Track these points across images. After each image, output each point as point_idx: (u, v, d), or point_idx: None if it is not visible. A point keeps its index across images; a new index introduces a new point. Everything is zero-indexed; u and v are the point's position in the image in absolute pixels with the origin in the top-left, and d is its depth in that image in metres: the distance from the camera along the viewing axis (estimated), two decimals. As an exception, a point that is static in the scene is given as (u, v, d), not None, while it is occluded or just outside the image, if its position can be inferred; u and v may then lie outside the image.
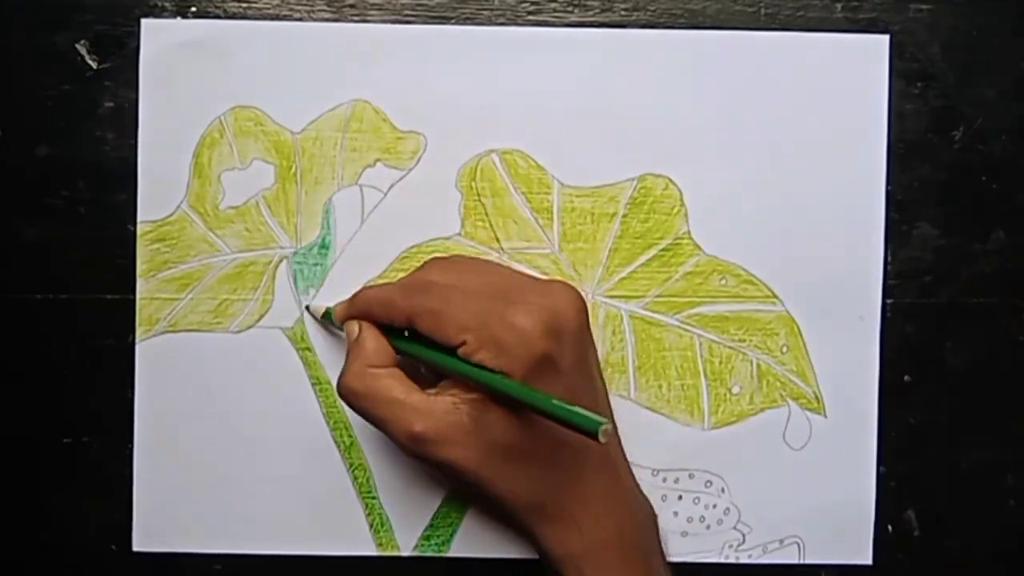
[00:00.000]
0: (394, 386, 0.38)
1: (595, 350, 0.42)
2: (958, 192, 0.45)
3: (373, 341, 0.40)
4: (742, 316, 0.44)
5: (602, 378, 0.43)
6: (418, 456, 0.38)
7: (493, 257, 0.44)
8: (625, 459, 0.42)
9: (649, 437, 0.44)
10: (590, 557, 0.39)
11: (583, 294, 0.44)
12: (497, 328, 0.37)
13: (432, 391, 0.39)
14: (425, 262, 0.41)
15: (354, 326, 0.40)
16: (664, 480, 0.44)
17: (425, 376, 0.40)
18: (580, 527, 0.39)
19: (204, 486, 0.44)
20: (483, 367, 0.37)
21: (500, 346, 0.37)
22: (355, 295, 0.41)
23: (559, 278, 0.40)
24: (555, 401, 0.35)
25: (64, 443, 0.44)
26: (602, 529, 0.39)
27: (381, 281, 0.44)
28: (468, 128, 0.44)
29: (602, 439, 0.33)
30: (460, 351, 0.37)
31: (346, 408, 0.44)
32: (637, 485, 0.43)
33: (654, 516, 0.43)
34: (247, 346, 0.44)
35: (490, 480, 0.38)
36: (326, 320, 0.43)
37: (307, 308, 0.44)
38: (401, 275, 0.44)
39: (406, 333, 0.40)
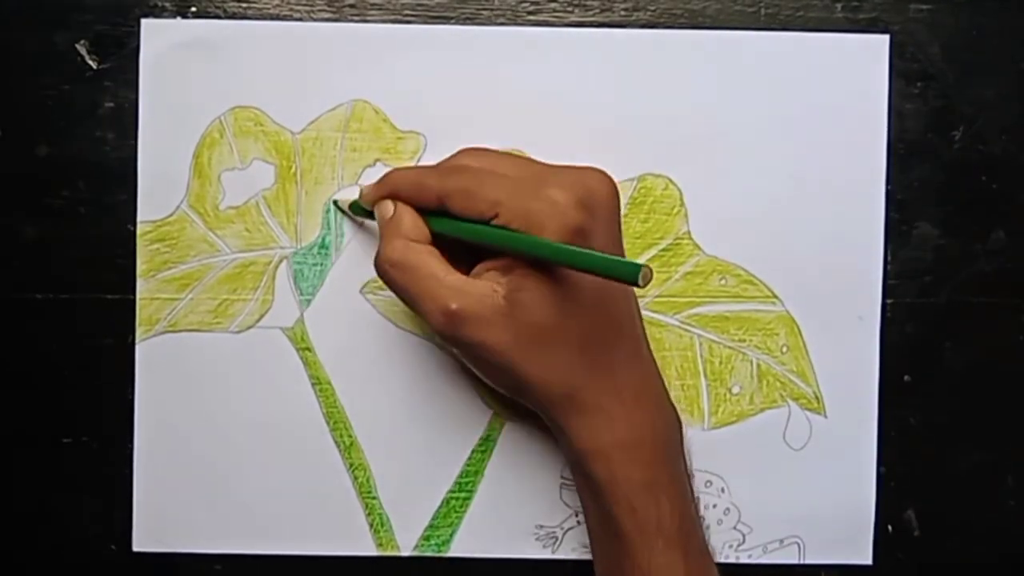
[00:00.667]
0: (433, 263, 0.38)
1: (622, 242, 0.41)
2: (958, 192, 0.45)
3: (410, 217, 0.39)
4: (742, 316, 0.44)
5: None
6: (450, 337, 0.38)
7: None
8: (655, 362, 0.42)
9: (649, 437, 0.44)
10: (619, 451, 0.38)
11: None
12: (530, 201, 0.37)
13: (472, 274, 0.39)
14: (456, 152, 0.41)
15: (388, 205, 0.40)
16: (664, 480, 0.44)
17: (456, 265, 0.39)
18: (611, 420, 0.39)
19: (204, 486, 0.44)
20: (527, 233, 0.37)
21: (532, 218, 0.37)
22: (384, 176, 0.41)
23: (594, 167, 0.40)
24: (592, 252, 0.35)
25: (64, 443, 0.44)
26: (632, 424, 0.39)
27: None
28: (468, 128, 0.44)
29: (642, 283, 0.33)
30: (493, 223, 0.37)
31: (346, 407, 0.44)
32: (666, 390, 0.42)
33: (680, 424, 0.42)
34: (247, 346, 0.44)
35: (522, 364, 0.38)
36: (354, 211, 0.43)
37: (335, 202, 0.44)
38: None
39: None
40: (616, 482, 0.38)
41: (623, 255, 0.40)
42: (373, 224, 0.44)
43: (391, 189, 0.40)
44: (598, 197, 0.38)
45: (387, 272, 0.39)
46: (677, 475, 0.40)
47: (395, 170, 0.41)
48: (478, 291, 0.38)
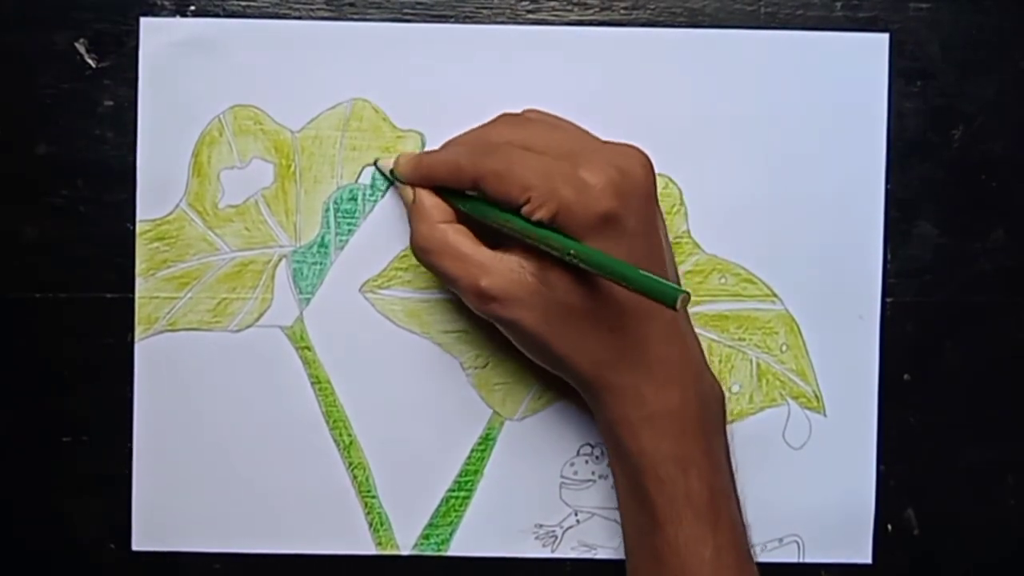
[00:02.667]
0: (461, 241, 0.39)
1: (663, 217, 0.41)
2: (958, 191, 0.45)
3: (430, 199, 0.40)
4: (742, 315, 0.44)
5: (670, 247, 0.42)
6: (485, 313, 0.39)
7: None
8: (694, 334, 0.41)
9: (649, 436, 0.44)
10: (648, 424, 0.38)
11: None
12: (561, 184, 0.37)
13: (498, 251, 0.39)
14: (495, 117, 0.41)
15: (408, 191, 0.41)
16: (664, 479, 0.44)
17: (487, 241, 0.40)
18: (640, 395, 0.39)
19: (204, 486, 0.44)
20: (543, 225, 0.37)
21: (562, 203, 0.37)
22: (420, 158, 0.41)
23: (630, 145, 0.40)
24: (632, 268, 0.35)
25: (64, 443, 0.44)
26: (663, 397, 0.39)
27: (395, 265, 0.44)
28: (468, 127, 0.44)
29: (679, 308, 0.33)
30: (523, 210, 0.37)
31: (345, 407, 0.44)
32: (706, 363, 0.42)
33: (722, 398, 0.42)
34: (246, 345, 0.44)
35: (553, 341, 0.38)
36: (395, 177, 0.43)
37: (376, 162, 0.44)
38: (401, 274, 0.44)
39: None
40: (644, 453, 0.38)
41: (659, 238, 0.40)
42: (372, 223, 0.44)
43: (427, 172, 0.40)
44: (632, 179, 0.38)
45: (419, 258, 0.40)
46: (711, 449, 0.40)
47: (430, 153, 0.41)
48: (506, 267, 0.38)
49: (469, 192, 0.40)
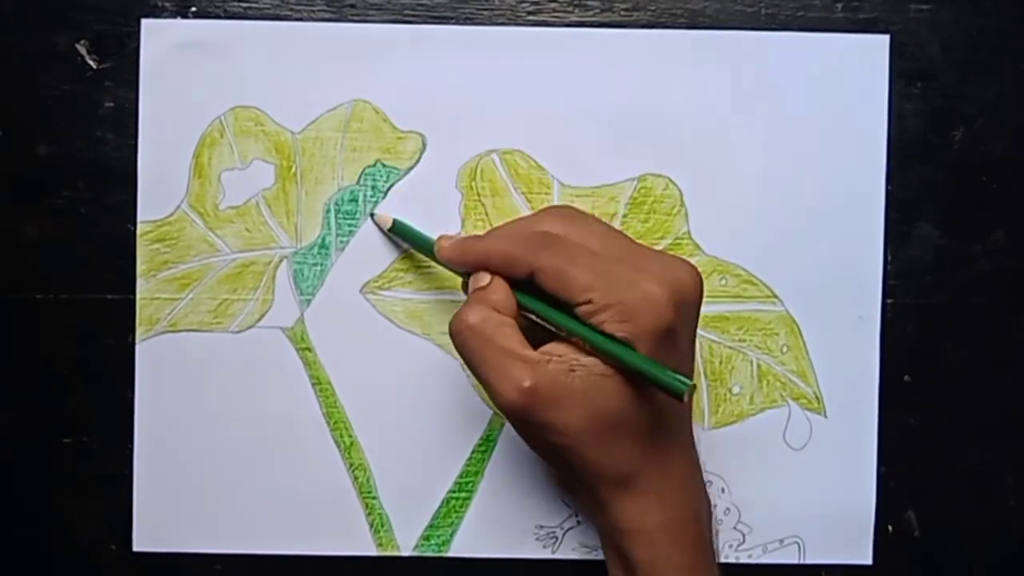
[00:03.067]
0: (513, 336, 0.37)
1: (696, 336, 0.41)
2: (958, 192, 0.45)
3: (503, 293, 0.38)
4: (742, 316, 0.44)
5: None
6: (519, 413, 0.37)
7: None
8: (695, 447, 0.41)
9: (649, 437, 0.44)
10: (663, 533, 0.38)
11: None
12: (625, 292, 0.36)
13: (543, 349, 0.37)
14: (541, 211, 0.40)
15: (485, 276, 0.39)
16: (664, 480, 0.44)
17: (528, 333, 0.39)
18: (661, 502, 0.38)
19: (204, 486, 0.44)
20: (602, 331, 0.36)
21: (627, 311, 0.36)
22: (468, 243, 0.39)
23: (681, 258, 0.39)
24: (654, 365, 0.36)
25: (64, 443, 0.44)
26: (680, 507, 0.39)
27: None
28: (468, 128, 0.44)
29: (686, 399, 0.35)
30: (581, 309, 0.36)
31: (346, 407, 0.44)
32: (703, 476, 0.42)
33: (711, 506, 0.42)
34: (247, 346, 0.44)
35: (586, 447, 0.37)
36: (396, 233, 0.43)
37: (372, 215, 0.43)
38: (401, 275, 0.44)
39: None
40: (656, 564, 0.38)
41: (693, 352, 0.40)
42: (375, 227, 0.44)
43: (479, 257, 0.39)
44: (688, 295, 0.37)
45: (463, 335, 0.37)
46: (711, 557, 0.40)
47: (481, 238, 0.39)
48: (555, 370, 0.36)
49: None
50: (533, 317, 0.38)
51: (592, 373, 0.37)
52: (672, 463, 0.39)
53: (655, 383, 0.35)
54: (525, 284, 0.38)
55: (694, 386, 0.35)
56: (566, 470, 0.39)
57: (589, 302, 0.36)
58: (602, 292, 0.36)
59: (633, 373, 0.36)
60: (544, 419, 0.36)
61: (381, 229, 0.44)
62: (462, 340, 0.38)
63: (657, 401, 0.37)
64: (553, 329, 0.38)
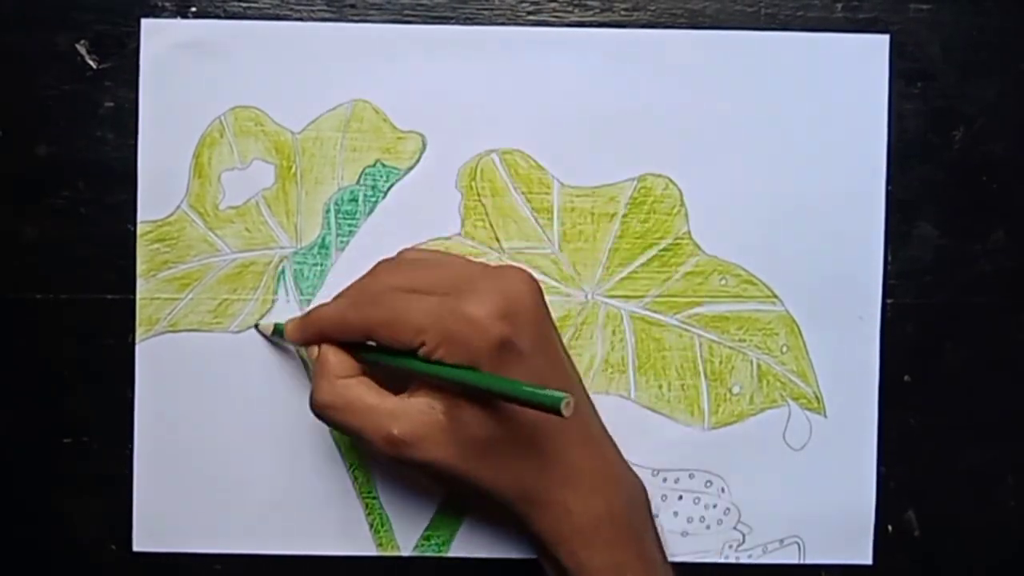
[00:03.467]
0: (366, 393, 0.39)
1: (557, 331, 0.41)
2: (958, 192, 0.45)
3: (335, 355, 0.39)
4: (742, 316, 0.44)
5: (569, 358, 0.42)
6: (399, 459, 0.38)
7: (493, 258, 0.44)
8: (608, 436, 0.42)
9: (649, 437, 0.44)
10: (580, 537, 0.39)
11: (583, 294, 0.44)
12: (451, 323, 0.37)
13: (404, 394, 0.39)
14: (374, 266, 0.41)
15: (313, 348, 0.40)
16: (664, 480, 0.44)
17: (391, 383, 0.40)
18: (569, 508, 0.39)
19: (204, 486, 0.44)
20: (443, 363, 0.37)
21: (456, 340, 0.37)
22: (306, 315, 0.41)
23: (510, 263, 0.40)
24: (515, 383, 0.35)
25: (64, 443, 0.44)
26: (591, 508, 0.39)
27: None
28: (468, 128, 0.44)
29: (565, 413, 0.33)
30: (420, 352, 0.37)
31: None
32: (624, 462, 0.42)
33: (644, 492, 0.42)
34: (247, 346, 0.44)
35: (473, 474, 0.38)
36: (276, 337, 0.43)
37: (256, 326, 0.44)
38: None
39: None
40: (582, 567, 0.38)
41: (557, 352, 0.40)
42: (373, 224, 0.44)
43: (315, 331, 0.40)
44: (519, 303, 0.38)
45: (323, 414, 0.39)
46: (643, 550, 0.40)
47: (316, 309, 0.41)
48: (416, 410, 0.38)
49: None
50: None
51: (454, 404, 0.37)
52: (568, 467, 0.39)
53: (527, 404, 0.35)
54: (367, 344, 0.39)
55: (568, 400, 0.34)
56: (471, 496, 0.40)
57: (423, 344, 0.37)
58: (432, 330, 0.37)
59: (505, 399, 0.36)
60: (424, 459, 0.38)
61: (266, 336, 0.44)
62: (325, 418, 0.39)
63: (527, 413, 0.36)
64: (406, 375, 0.38)
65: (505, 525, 0.44)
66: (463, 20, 0.44)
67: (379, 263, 0.41)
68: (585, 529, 0.39)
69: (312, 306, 0.43)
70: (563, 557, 0.39)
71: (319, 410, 0.39)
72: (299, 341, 0.41)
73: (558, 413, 0.34)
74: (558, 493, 0.39)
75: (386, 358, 0.39)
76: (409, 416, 0.38)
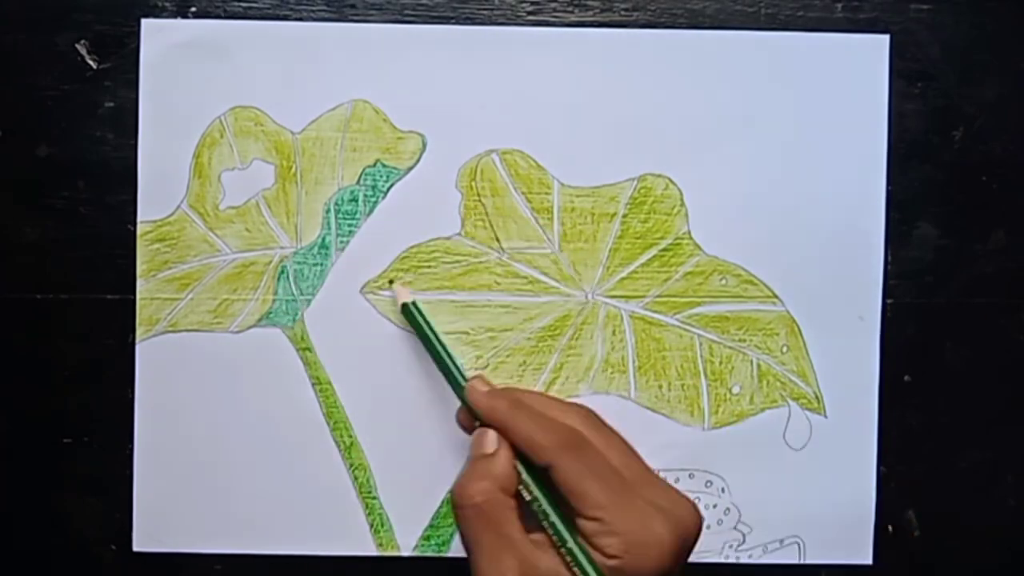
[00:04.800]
0: (512, 520, 0.37)
1: None
2: (958, 192, 0.45)
3: (507, 466, 0.38)
4: (742, 316, 0.44)
5: None
6: None
7: (492, 257, 0.44)
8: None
9: (649, 437, 0.44)
10: None
11: (583, 294, 0.44)
12: (635, 525, 0.36)
13: (537, 539, 0.37)
14: (572, 403, 0.41)
15: (494, 441, 0.39)
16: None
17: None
18: None
19: (204, 486, 0.44)
20: (590, 558, 0.36)
21: (633, 545, 0.36)
22: (500, 402, 0.39)
23: (687, 496, 0.39)
24: None
25: (64, 443, 0.44)
26: None
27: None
28: (468, 128, 0.44)
29: None
30: (586, 525, 0.36)
31: (346, 407, 0.44)
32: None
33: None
34: (247, 346, 0.44)
35: None
36: (407, 315, 0.43)
37: (390, 282, 0.43)
38: (401, 275, 0.44)
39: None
40: None
41: None
42: (373, 224, 0.44)
43: (504, 426, 0.39)
44: (690, 540, 0.38)
45: (465, 511, 0.38)
46: None
47: (517, 408, 0.39)
48: (545, 567, 0.36)
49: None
50: (524, 495, 0.38)
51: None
52: None
53: None
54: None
55: None
56: None
57: (597, 520, 0.36)
58: (612, 516, 0.36)
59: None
60: None
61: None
62: (464, 516, 0.38)
63: None
64: (543, 527, 0.38)
65: None
66: (463, 20, 0.44)
67: (578, 404, 0.40)
68: None
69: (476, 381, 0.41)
70: None
71: (463, 503, 0.38)
72: (481, 415, 0.40)
73: None
74: None
75: (548, 510, 0.38)
76: (537, 569, 0.36)
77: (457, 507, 0.38)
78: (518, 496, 0.38)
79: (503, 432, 0.39)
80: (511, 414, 0.39)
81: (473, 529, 0.37)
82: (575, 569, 0.36)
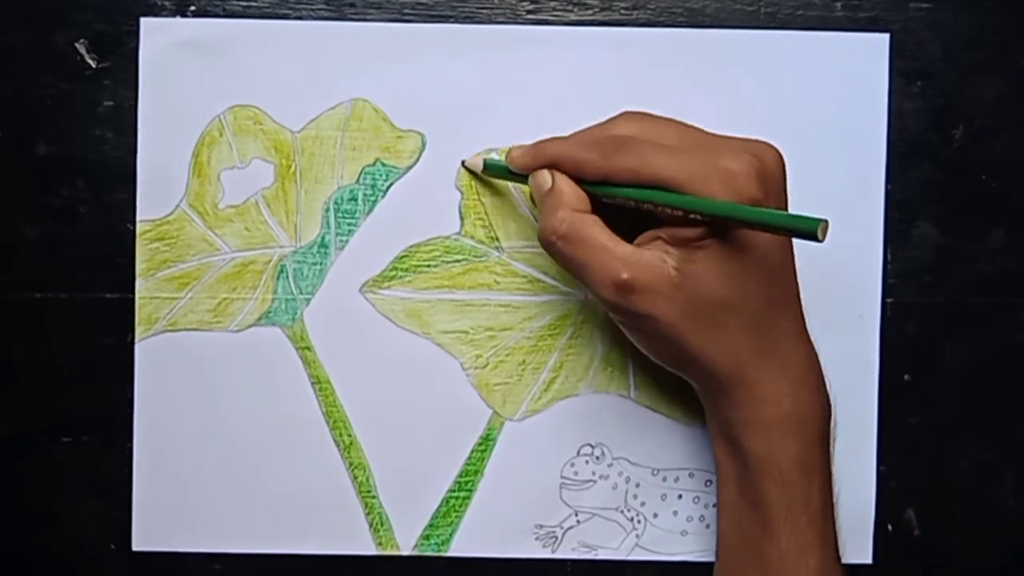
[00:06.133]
0: (600, 232, 0.37)
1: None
2: (958, 192, 0.45)
3: (570, 188, 0.38)
4: (742, 315, 0.44)
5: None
6: (618, 307, 0.37)
7: (492, 256, 0.44)
8: (813, 345, 0.40)
9: (649, 437, 0.44)
10: (780, 426, 0.38)
11: (583, 293, 0.44)
12: (706, 174, 0.36)
13: (638, 241, 0.38)
14: (614, 116, 0.40)
15: (546, 175, 0.39)
16: (664, 479, 0.44)
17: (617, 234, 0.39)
18: (778, 395, 0.38)
19: (204, 486, 0.44)
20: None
21: (707, 186, 0.36)
22: (540, 146, 0.40)
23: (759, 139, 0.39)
24: (770, 211, 0.35)
25: (64, 443, 0.44)
26: (797, 401, 0.38)
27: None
28: (468, 127, 0.44)
29: (821, 238, 0.32)
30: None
31: (345, 406, 0.44)
32: (823, 374, 0.40)
33: (831, 409, 0.40)
34: (247, 345, 0.44)
35: (691, 338, 0.37)
36: (488, 173, 0.43)
37: (463, 163, 0.43)
38: (401, 274, 0.44)
39: None
40: (771, 456, 0.38)
41: None
42: (373, 223, 0.44)
43: (549, 160, 0.39)
44: (770, 170, 0.37)
45: (553, 244, 0.38)
46: (827, 460, 0.39)
47: (552, 141, 0.40)
48: (648, 261, 0.37)
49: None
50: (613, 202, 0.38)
51: (688, 260, 0.36)
52: (787, 352, 0.38)
53: (783, 230, 0.34)
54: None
55: (825, 224, 0.33)
56: (674, 363, 0.39)
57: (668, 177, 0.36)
58: (685, 181, 0.36)
59: (760, 227, 0.35)
60: (645, 310, 0.37)
61: (472, 172, 0.44)
62: (554, 250, 0.38)
63: (757, 288, 0.36)
64: (639, 212, 0.37)
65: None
66: (463, 19, 0.44)
67: (623, 113, 0.40)
68: (789, 418, 0.38)
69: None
70: (755, 440, 0.38)
71: (551, 239, 0.38)
72: (526, 167, 0.40)
73: (814, 238, 0.33)
74: (770, 373, 0.38)
75: (624, 190, 0.37)
76: (641, 264, 0.37)
77: (548, 246, 0.38)
78: (597, 211, 0.38)
79: (556, 169, 0.39)
80: (550, 148, 0.39)
81: (572, 255, 0.38)
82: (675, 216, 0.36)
